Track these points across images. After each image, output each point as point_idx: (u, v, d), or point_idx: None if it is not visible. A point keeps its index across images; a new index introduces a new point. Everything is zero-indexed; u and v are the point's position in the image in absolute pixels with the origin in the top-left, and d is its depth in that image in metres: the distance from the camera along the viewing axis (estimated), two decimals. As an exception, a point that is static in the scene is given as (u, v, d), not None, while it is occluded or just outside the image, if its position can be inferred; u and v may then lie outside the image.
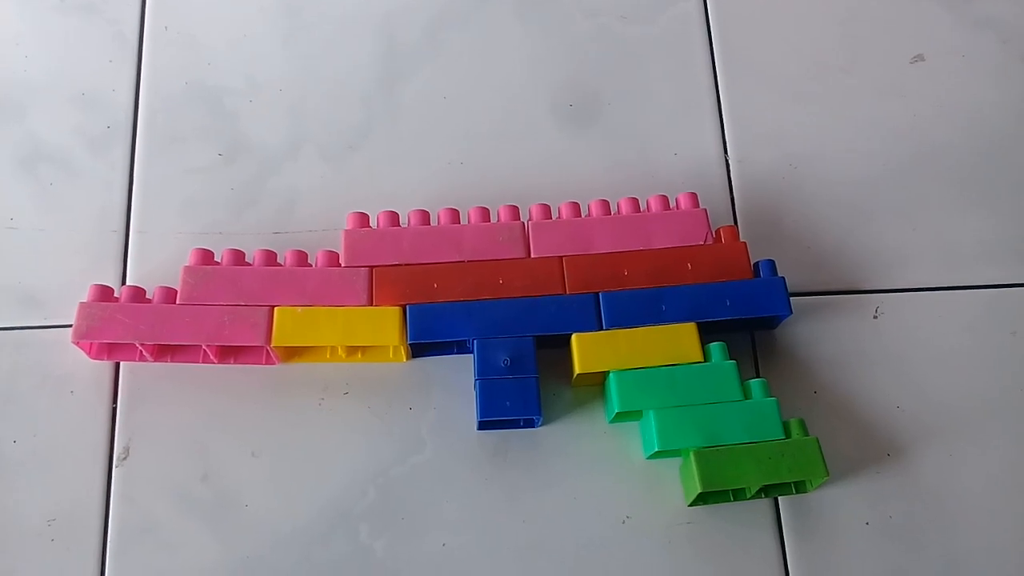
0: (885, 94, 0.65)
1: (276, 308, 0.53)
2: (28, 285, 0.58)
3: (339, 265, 0.55)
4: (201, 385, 0.55)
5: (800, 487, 0.53)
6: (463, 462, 0.54)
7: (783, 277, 0.55)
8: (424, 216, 0.56)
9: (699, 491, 0.50)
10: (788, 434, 0.51)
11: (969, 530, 0.53)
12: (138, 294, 0.54)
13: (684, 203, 0.57)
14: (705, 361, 0.53)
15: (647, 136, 0.63)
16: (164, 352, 0.55)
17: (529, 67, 0.65)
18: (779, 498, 0.53)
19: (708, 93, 0.64)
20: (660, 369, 0.52)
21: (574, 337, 0.53)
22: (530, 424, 0.54)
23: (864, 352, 0.57)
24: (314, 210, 0.60)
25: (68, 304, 0.54)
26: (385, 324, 0.53)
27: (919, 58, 0.66)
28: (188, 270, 0.54)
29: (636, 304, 0.54)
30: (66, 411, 0.54)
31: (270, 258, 0.55)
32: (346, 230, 0.55)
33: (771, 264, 0.56)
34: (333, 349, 0.55)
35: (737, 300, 0.54)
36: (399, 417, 0.55)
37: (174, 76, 0.64)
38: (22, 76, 0.64)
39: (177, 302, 0.53)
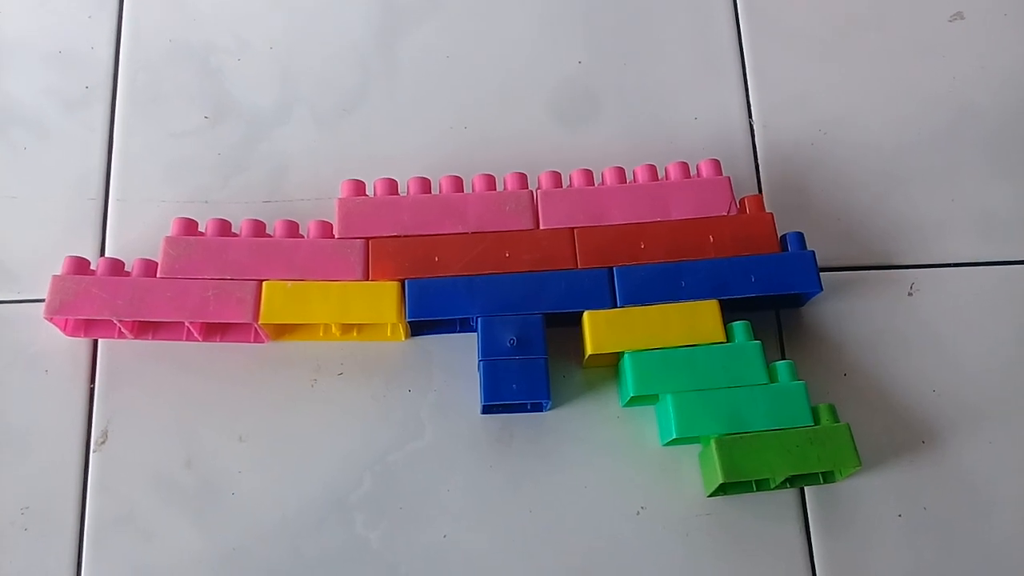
0: (922, 54, 0.62)
1: (264, 282, 0.51)
2: (0, 257, 0.56)
3: (333, 236, 0.53)
4: (185, 364, 0.53)
5: (828, 477, 0.51)
6: (465, 448, 0.52)
7: (812, 251, 0.53)
8: (424, 184, 0.54)
9: (720, 482, 0.48)
10: (817, 420, 0.49)
11: (1008, 523, 0.51)
12: (116, 267, 0.52)
13: (705, 171, 0.55)
14: (727, 341, 0.51)
15: (666, 99, 0.61)
16: (145, 329, 0.53)
17: (538, 23, 0.63)
18: (805, 488, 0.52)
19: (731, 53, 0.62)
20: (679, 350, 0.50)
21: (586, 315, 0.51)
22: (538, 408, 0.52)
23: (898, 332, 0.55)
24: (306, 177, 0.58)
25: (42, 277, 0.52)
26: (382, 300, 0.51)
27: (958, 16, 0.63)
28: (170, 241, 0.52)
29: (653, 280, 0.52)
30: (40, 392, 0.53)
31: (258, 228, 0.53)
32: (340, 199, 0.54)
33: (799, 237, 0.53)
34: (326, 327, 0.53)
35: (763, 276, 0.52)
36: (397, 400, 0.53)
37: (157, 33, 0.62)
38: (-6, 33, 0.62)
39: (158, 275, 0.51)
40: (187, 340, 0.53)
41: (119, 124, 0.59)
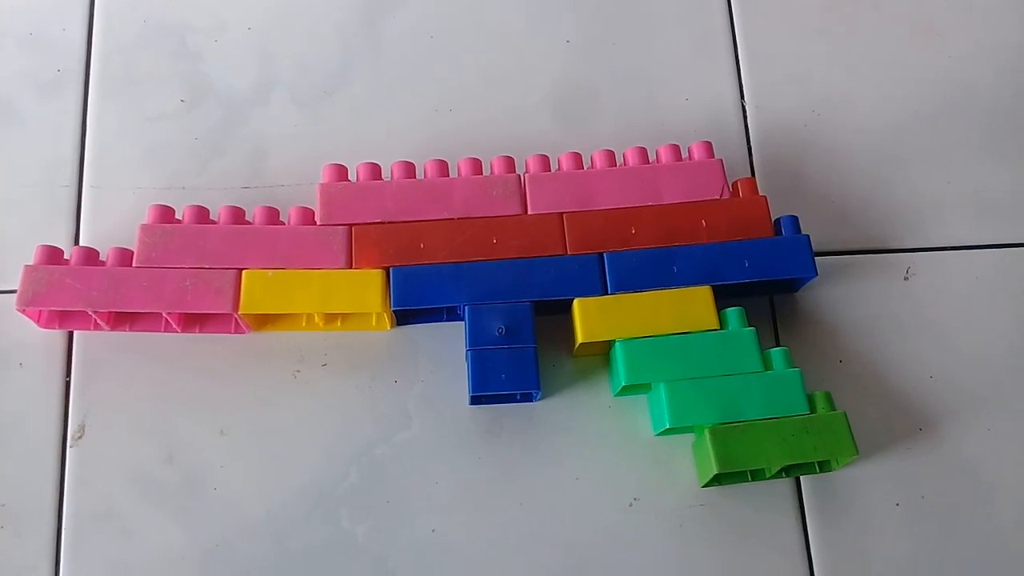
0: (918, 33, 0.61)
1: (244, 271, 0.50)
2: (-30, 246, 0.54)
3: (314, 223, 0.52)
4: (163, 356, 0.52)
5: (824, 466, 0.50)
6: (454, 440, 0.51)
7: (807, 235, 0.52)
8: (409, 168, 0.53)
9: (715, 472, 0.47)
10: (813, 408, 0.49)
11: (1007, 510, 0.50)
12: (91, 256, 0.50)
13: (697, 153, 0.54)
14: (721, 328, 0.50)
15: (656, 80, 0.60)
16: (122, 320, 0.52)
17: (526, 2, 0.61)
18: (801, 478, 0.51)
19: (723, 32, 0.61)
20: (671, 337, 0.50)
21: (576, 302, 0.50)
22: (528, 398, 0.52)
23: (895, 317, 0.54)
24: (286, 162, 0.57)
25: (14, 267, 0.50)
26: (366, 289, 0.50)
27: None
28: (145, 229, 0.51)
29: (644, 265, 0.51)
30: (14, 385, 0.51)
31: (237, 215, 0.52)
32: (322, 184, 0.52)
33: (794, 220, 0.53)
34: (309, 316, 0.52)
35: (756, 260, 0.51)
36: (383, 390, 0.52)
37: (131, 13, 0.60)
38: (-38, 14, 0.60)
39: (133, 265, 0.50)
40: (165, 331, 0.51)
41: (92, 108, 0.57)
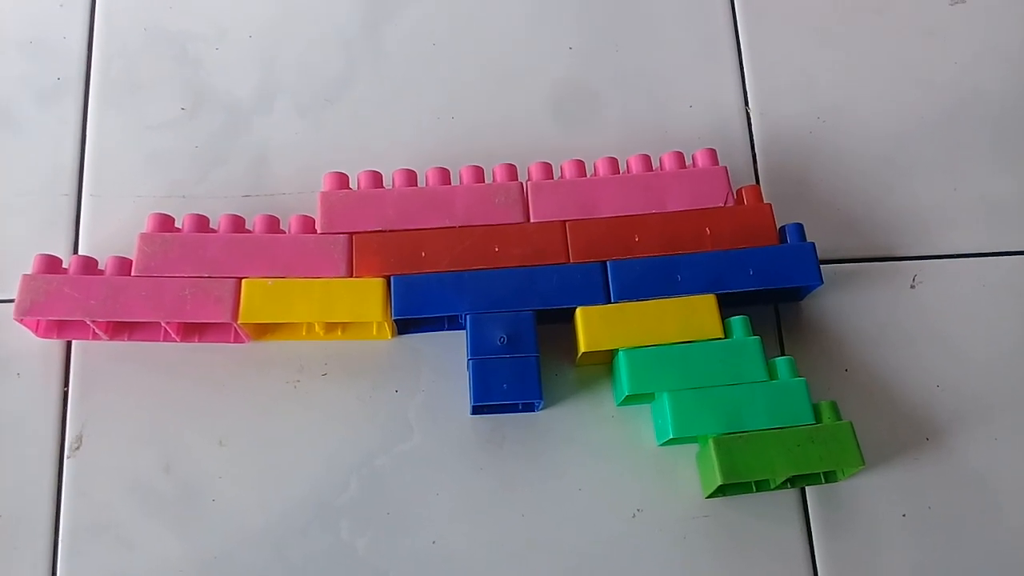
0: (923, 39, 0.61)
1: (244, 280, 0.50)
2: (-32, 255, 0.54)
3: (315, 232, 0.51)
4: (162, 366, 0.52)
5: (830, 476, 0.50)
6: (455, 450, 0.51)
7: (812, 243, 0.51)
8: (410, 176, 0.53)
9: (719, 483, 0.47)
10: (819, 418, 0.48)
11: (1015, 521, 0.50)
12: (89, 265, 0.50)
13: (701, 161, 0.54)
14: (725, 337, 0.50)
15: (659, 86, 0.59)
16: (120, 330, 0.51)
17: (528, 8, 0.61)
18: (807, 488, 0.50)
19: (727, 37, 0.61)
20: (675, 347, 0.49)
21: (579, 311, 0.50)
22: (530, 408, 0.51)
23: (901, 325, 0.54)
24: (287, 170, 0.56)
25: (12, 276, 0.50)
26: (367, 298, 0.50)
27: (959, 0, 0.62)
28: (145, 237, 0.50)
29: (648, 274, 0.50)
30: (11, 396, 0.51)
31: (238, 224, 0.51)
32: (323, 192, 0.52)
33: (799, 228, 0.52)
34: (310, 326, 0.52)
35: (761, 269, 0.51)
36: (384, 401, 0.51)
37: (131, 21, 0.60)
38: (-38, 22, 0.60)
39: (132, 274, 0.50)
40: (164, 341, 0.51)
41: (92, 116, 0.57)
